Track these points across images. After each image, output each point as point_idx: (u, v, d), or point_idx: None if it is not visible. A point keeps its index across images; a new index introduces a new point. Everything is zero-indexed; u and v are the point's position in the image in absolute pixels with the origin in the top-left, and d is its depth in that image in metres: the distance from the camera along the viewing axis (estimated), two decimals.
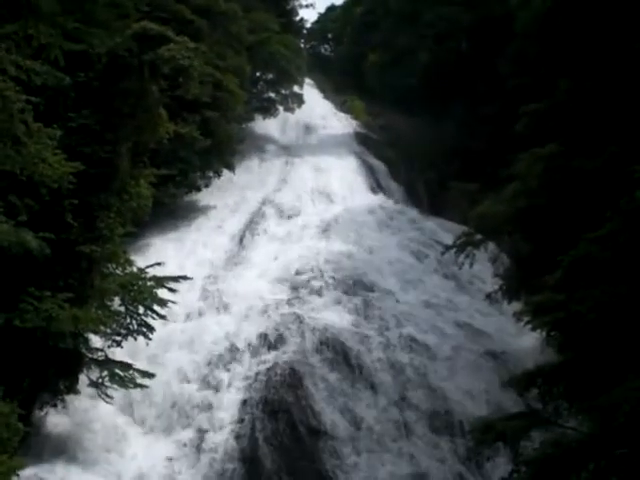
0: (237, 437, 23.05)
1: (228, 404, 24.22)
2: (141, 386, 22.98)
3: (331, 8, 74.74)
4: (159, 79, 23.82)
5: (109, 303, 23.59)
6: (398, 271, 31.08)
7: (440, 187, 40.03)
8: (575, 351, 17.11)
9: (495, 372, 24.96)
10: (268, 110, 48.45)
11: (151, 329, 24.21)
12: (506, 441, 17.49)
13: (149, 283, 24.42)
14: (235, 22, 39.09)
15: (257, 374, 25.13)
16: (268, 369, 25.21)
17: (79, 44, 23.30)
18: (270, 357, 25.88)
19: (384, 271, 30.91)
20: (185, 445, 23.12)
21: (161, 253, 30.38)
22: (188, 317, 28.44)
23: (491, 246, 27.51)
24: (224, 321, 27.99)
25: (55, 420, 23.11)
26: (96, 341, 23.61)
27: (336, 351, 25.92)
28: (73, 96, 23.05)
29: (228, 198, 38.75)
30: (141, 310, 24.18)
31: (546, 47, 27.48)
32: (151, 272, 24.94)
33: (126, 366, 23.19)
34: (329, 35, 73.91)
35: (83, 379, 23.09)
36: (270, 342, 26.64)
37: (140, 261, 25.77)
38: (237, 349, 26.44)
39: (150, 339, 24.30)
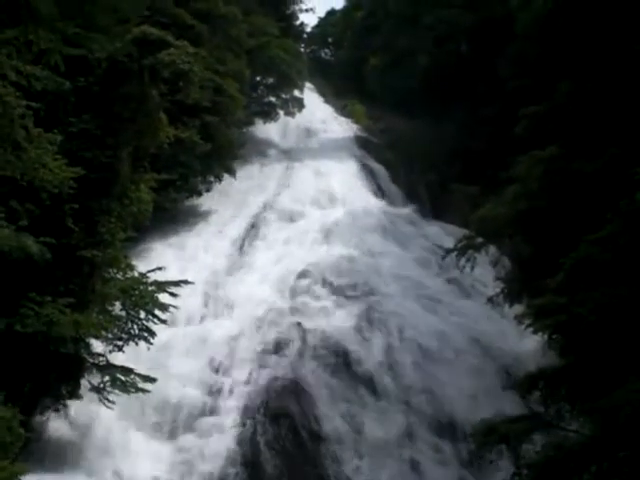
0: (239, 442, 23.04)
1: (229, 409, 24.22)
2: (143, 391, 22.94)
3: (331, 12, 74.73)
4: (159, 84, 23.83)
5: (110, 308, 23.56)
6: (399, 275, 31.05)
7: (441, 189, 40.02)
8: (577, 354, 17.10)
9: (497, 375, 24.95)
10: (269, 114, 48.47)
11: (152, 334, 24.18)
12: (508, 444, 17.49)
13: (150, 288, 24.40)
14: (235, 26, 39.12)
15: (258, 379, 25.13)
16: (269, 374, 25.21)
17: (79, 49, 23.32)
18: (271, 362, 25.88)
19: (385, 275, 30.88)
20: (187, 450, 23.09)
21: (162, 258, 30.35)
22: (189, 322, 28.42)
23: (492, 249, 27.49)
24: (225, 326, 27.97)
25: (56, 425, 23.06)
26: (97, 346, 23.59)
27: (337, 356, 25.92)
28: (73, 101, 23.06)
29: (229, 203, 38.73)
30: (142, 315, 24.14)
31: (546, 49, 27.48)
32: (152, 277, 24.91)
33: (127, 371, 23.15)
34: (329, 39, 73.86)
35: (84, 384, 23.05)
36: (271, 347, 26.65)
37: (141, 266, 25.74)
38: (238, 354, 26.43)
39: (151, 344, 24.25)
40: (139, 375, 23.09)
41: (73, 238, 22.16)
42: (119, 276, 24.29)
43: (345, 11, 69.30)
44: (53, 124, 21.17)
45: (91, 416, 23.32)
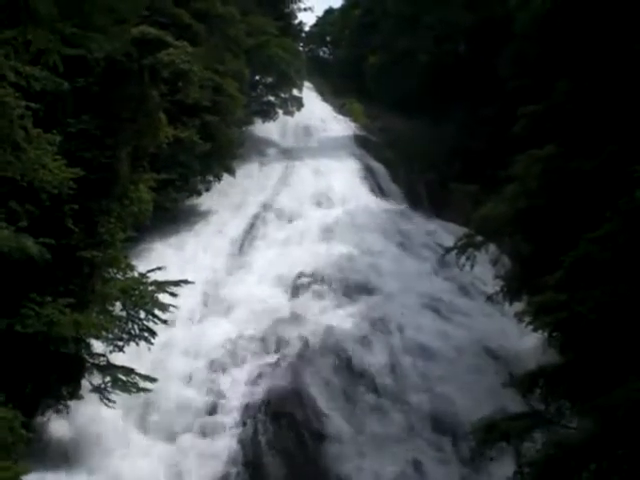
0: (240, 441, 23.04)
1: (230, 408, 24.23)
2: (143, 390, 22.98)
3: (329, 11, 74.73)
4: (159, 84, 23.83)
5: (110, 308, 23.58)
6: (399, 274, 31.04)
7: (440, 188, 40.02)
8: (577, 351, 17.11)
9: (497, 373, 24.92)
10: (268, 113, 48.47)
11: (153, 334, 24.21)
12: (509, 441, 17.49)
13: (150, 288, 24.41)
14: (233, 25, 39.09)
15: (259, 378, 25.14)
16: (270, 373, 25.22)
17: (78, 49, 23.30)
18: (272, 361, 25.90)
19: (385, 274, 30.88)
20: (187, 450, 23.09)
21: (162, 258, 30.35)
22: (189, 322, 28.43)
23: (492, 247, 27.48)
24: (225, 325, 27.98)
25: (57, 426, 23.08)
26: (98, 346, 23.61)
27: (338, 355, 25.93)
28: (72, 101, 23.05)
29: (229, 202, 38.73)
30: (142, 315, 24.17)
31: (545, 49, 27.46)
32: (152, 277, 24.93)
33: (128, 371, 23.18)
34: (328, 38, 73.88)
35: (85, 384, 23.08)
36: (272, 346, 26.68)
37: (141, 266, 25.76)
38: (238, 353, 26.46)
39: (152, 344, 24.29)
40: (140, 375, 23.13)
41: (73, 239, 22.17)
42: (119, 276, 24.31)
43: (343, 10, 69.29)
44: (52, 124, 21.17)
45: (92, 416, 23.33)
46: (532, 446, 17.27)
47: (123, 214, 23.89)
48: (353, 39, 61.17)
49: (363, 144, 47.48)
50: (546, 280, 18.68)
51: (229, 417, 23.91)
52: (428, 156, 42.55)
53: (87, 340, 22.71)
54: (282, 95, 48.86)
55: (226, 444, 23.00)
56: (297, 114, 49.52)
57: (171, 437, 23.64)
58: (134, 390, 22.91)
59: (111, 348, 23.82)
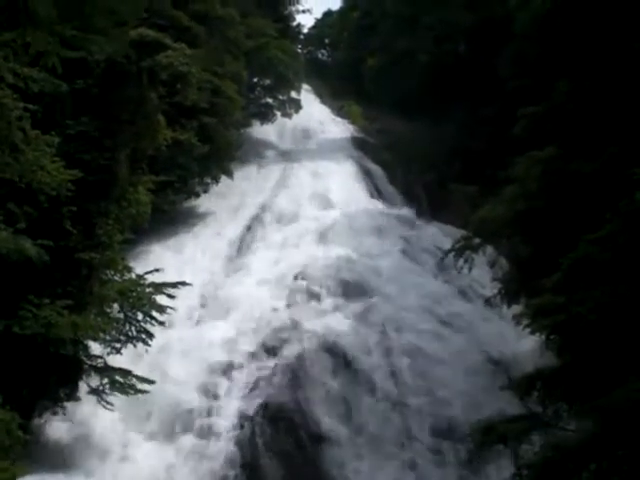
0: (237, 443, 23.03)
1: (228, 410, 24.22)
2: (141, 392, 22.96)
3: (328, 13, 74.72)
4: (157, 86, 23.83)
5: (108, 310, 23.58)
6: (397, 276, 31.01)
7: (439, 190, 40.00)
8: (575, 353, 17.11)
9: (495, 376, 24.93)
10: (266, 116, 48.46)
11: (150, 336, 24.20)
12: (507, 443, 17.50)
13: (148, 289, 24.42)
14: (233, 27, 39.10)
15: (257, 380, 25.15)
16: (268, 375, 25.21)
17: (77, 51, 23.26)
18: (270, 363, 25.89)
19: (383, 276, 30.86)
20: (185, 452, 23.08)
21: (160, 260, 30.31)
22: (187, 324, 28.42)
23: (489, 250, 27.47)
24: (223, 327, 27.94)
25: (55, 428, 23.08)
26: (95, 348, 23.60)
27: (336, 357, 25.92)
28: (71, 103, 23.05)
29: (227, 204, 38.71)
30: (140, 317, 24.18)
31: (545, 49, 27.46)
32: (150, 279, 24.93)
33: (126, 373, 23.17)
34: (326, 40, 73.89)
35: (83, 386, 23.07)
36: (269, 348, 26.66)
37: (139, 268, 25.76)
38: (236, 355, 26.44)
39: (149, 346, 24.29)
40: (137, 377, 23.12)
41: (71, 240, 22.16)
42: (117, 278, 24.31)
43: (342, 12, 69.29)
44: (51, 126, 21.18)
45: (90, 418, 23.33)
46: (530, 448, 17.28)
47: (121, 216, 23.89)
48: (352, 41, 61.20)
49: (361, 146, 47.47)
50: (544, 283, 18.68)
51: (227, 419, 23.90)
52: (427, 157, 42.55)
53: (85, 342, 22.70)
54: (280, 97, 48.86)
55: (224, 446, 23.00)
56: (295, 116, 49.51)
57: (169, 439, 23.63)
58: (132, 392, 22.90)
59: (109, 350, 23.81)
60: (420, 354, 26.30)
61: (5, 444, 17.00)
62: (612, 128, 21.32)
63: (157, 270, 25.56)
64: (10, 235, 19.33)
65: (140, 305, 24.09)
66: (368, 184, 41.91)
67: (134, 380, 23.01)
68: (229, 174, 38.40)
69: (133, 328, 24.15)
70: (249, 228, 36.24)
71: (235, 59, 39.96)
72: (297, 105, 49.33)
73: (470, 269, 27.34)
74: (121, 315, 24.04)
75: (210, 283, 31.01)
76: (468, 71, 43.06)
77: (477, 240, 26.45)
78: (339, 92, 58.48)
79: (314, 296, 29.45)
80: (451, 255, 27.70)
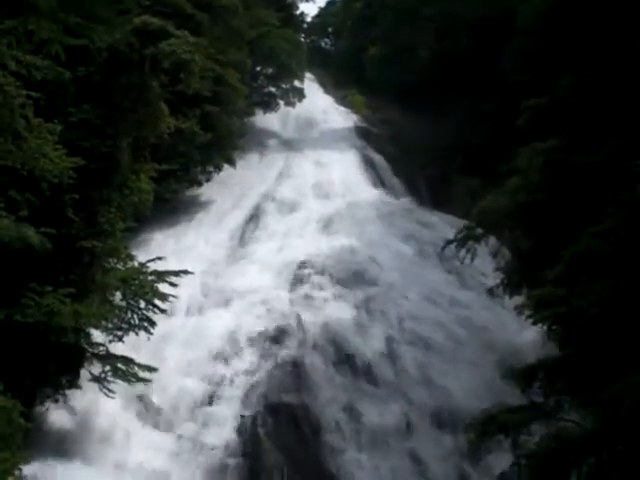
0: (239, 432, 23.08)
1: (229, 399, 24.26)
2: (143, 380, 23.00)
3: (331, 2, 74.44)
4: (160, 74, 23.76)
5: (110, 298, 23.57)
6: (400, 266, 31.02)
7: (441, 181, 39.95)
8: (576, 345, 17.11)
9: (497, 366, 24.94)
10: (269, 104, 48.34)
11: (152, 324, 24.22)
12: (507, 434, 17.52)
13: (150, 277, 24.43)
14: (236, 16, 38.97)
15: (258, 369, 25.17)
16: (269, 364, 25.23)
17: (80, 39, 23.25)
18: (271, 352, 25.91)
19: (386, 266, 30.86)
20: (187, 440, 23.12)
21: (162, 248, 30.32)
22: (189, 312, 28.43)
23: (492, 240, 27.45)
24: (225, 316, 27.98)
25: (56, 415, 23.11)
26: (97, 336, 23.61)
27: (337, 346, 25.95)
28: (73, 91, 23.00)
29: (229, 193, 38.67)
30: (142, 304, 24.20)
31: (547, 42, 27.41)
32: (152, 267, 24.93)
33: (128, 360, 23.21)
34: (329, 29, 73.66)
35: (85, 374, 23.09)
36: (271, 337, 26.67)
37: (141, 256, 25.76)
38: (238, 344, 26.47)
39: (151, 334, 24.31)
40: (139, 365, 23.14)
41: (73, 228, 22.14)
42: (119, 266, 24.30)
43: (345, 1, 69.02)
44: (53, 114, 21.12)
45: (91, 406, 23.36)
46: (530, 439, 17.30)
47: (123, 204, 23.86)
48: (354, 30, 60.92)
49: (364, 136, 47.36)
50: (546, 274, 18.67)
51: (228, 408, 23.94)
52: (429, 149, 42.46)
53: (87, 330, 22.72)
54: (283, 86, 48.72)
55: (225, 435, 23.05)
56: (298, 105, 49.37)
57: (170, 427, 23.70)
58: (133, 380, 22.94)
59: (111, 338, 23.83)
60: (422, 344, 26.35)
61: (7, 432, 16.99)
62: (614, 121, 21.29)
63: (159, 258, 25.56)
64: (12, 223, 19.31)
65: (142, 293, 24.11)
66: (371, 174, 41.86)
67: (136, 368, 23.05)
68: (232, 163, 38.35)
69: (135, 316, 24.16)
70: (251, 217, 36.20)
71: (238, 48, 39.86)
72: (300, 94, 49.19)
73: (472, 259, 27.32)
74: (123, 303, 24.06)
75: (212, 272, 30.99)
76: (470, 64, 42.93)
77: (480, 230, 26.43)
78: (342, 81, 58.29)
79: (316, 285, 29.44)
80: (453, 245, 27.69)
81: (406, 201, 38.60)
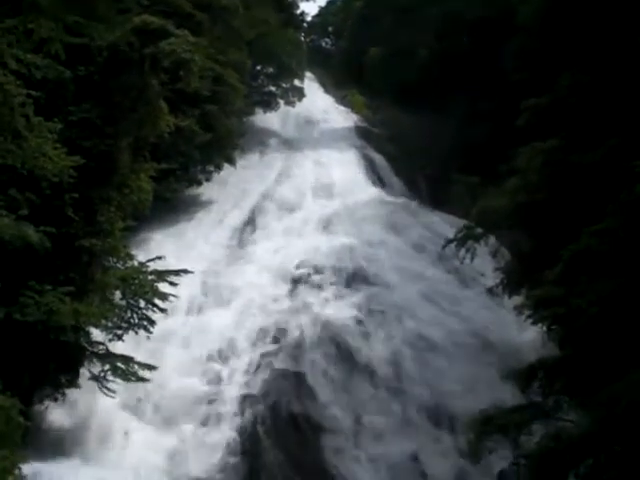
0: (238, 431, 23.08)
1: (229, 398, 24.27)
2: (142, 379, 23.00)
3: (332, 1, 74.56)
4: (160, 73, 23.77)
5: (110, 297, 23.57)
6: (399, 265, 31.03)
7: (441, 181, 39.92)
8: (575, 345, 17.12)
9: (496, 366, 24.94)
10: (269, 104, 48.39)
11: (152, 323, 24.22)
12: (507, 433, 17.52)
13: (150, 277, 24.43)
14: (236, 16, 38.97)
15: (258, 368, 25.18)
16: (269, 363, 25.24)
17: (80, 38, 23.26)
18: (271, 351, 25.92)
19: (385, 265, 30.87)
20: (186, 439, 23.13)
21: (162, 247, 30.29)
22: (189, 311, 28.44)
23: (492, 240, 27.44)
24: (225, 315, 28.01)
25: (55, 414, 23.12)
26: (97, 335, 23.62)
27: (337, 345, 25.96)
28: (74, 90, 23.01)
29: (229, 192, 38.70)
30: (142, 304, 24.19)
31: (547, 41, 27.41)
32: (152, 266, 24.93)
33: (127, 359, 23.20)
34: (330, 29, 73.75)
35: (84, 373, 23.09)
36: (271, 336, 26.69)
37: (141, 255, 25.78)
38: (237, 343, 26.49)
39: (151, 333, 24.31)
40: (139, 363, 23.13)
41: (73, 227, 22.14)
42: (119, 265, 24.32)
43: (345, 0, 69.13)
44: (53, 112, 21.14)
45: (90, 405, 23.36)
46: (530, 439, 17.31)
47: (123, 203, 23.88)
48: (354, 30, 60.91)
49: (364, 136, 47.40)
50: (545, 274, 18.68)
51: (228, 407, 23.95)
52: (429, 148, 42.46)
53: (86, 329, 22.71)
54: (283, 85, 48.79)
55: (225, 434, 23.06)
56: (298, 105, 49.45)
57: (170, 426, 23.69)
58: (133, 379, 22.93)
59: (110, 337, 23.82)
60: (421, 343, 26.33)
61: (5, 431, 16.98)
62: (613, 121, 21.29)
63: (159, 258, 25.55)
64: (12, 221, 19.31)
65: (142, 292, 24.11)
66: (371, 173, 41.90)
67: (136, 367, 23.03)
68: (231, 162, 38.39)
69: (135, 315, 24.16)
70: (251, 217, 36.23)
71: (238, 48, 39.86)
72: (300, 93, 49.25)
73: (472, 258, 27.31)
74: (123, 302, 24.05)
75: (212, 271, 31.00)
76: (470, 64, 42.89)
77: (479, 230, 26.43)
78: (342, 81, 58.33)
79: (316, 284, 29.45)
80: (453, 244, 27.68)
81: (406, 201, 38.59)
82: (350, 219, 34.96)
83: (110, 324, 23.56)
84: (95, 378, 22.93)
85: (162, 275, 24.81)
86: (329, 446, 22.67)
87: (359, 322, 27.03)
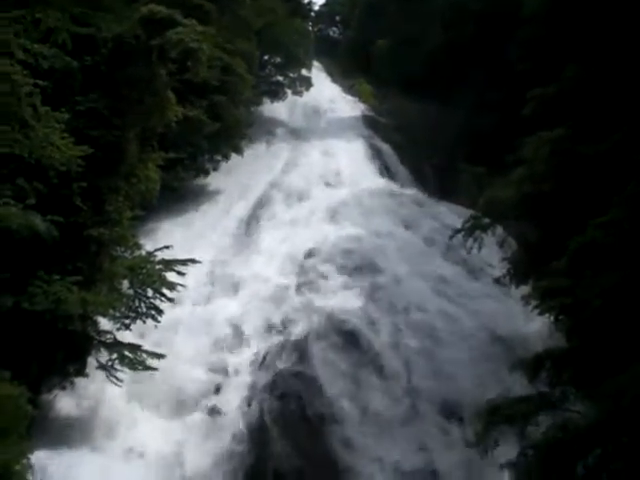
0: (245, 420, 23.11)
1: (236, 387, 24.32)
2: (150, 368, 23.05)
3: None
4: (167, 63, 23.76)
5: (118, 286, 23.62)
6: (407, 255, 30.98)
7: (448, 171, 39.85)
8: (582, 336, 17.11)
9: (503, 356, 24.93)
10: (276, 94, 48.37)
11: (160, 312, 24.27)
12: (514, 424, 17.52)
13: (157, 266, 24.47)
14: (243, 6, 38.92)
15: (265, 358, 25.20)
16: (276, 353, 25.27)
17: (86, 28, 23.24)
18: (278, 341, 25.94)
19: (392, 255, 30.82)
20: (193, 428, 23.19)
21: (169, 237, 30.30)
22: (196, 301, 28.47)
23: (499, 230, 27.39)
24: (232, 305, 28.04)
25: (63, 403, 23.21)
26: (105, 324, 23.69)
27: (344, 335, 25.93)
28: (81, 79, 23.01)
29: (236, 182, 38.70)
30: (150, 293, 24.24)
31: (554, 31, 27.32)
32: (159, 255, 24.97)
33: (135, 348, 23.26)
34: (337, 18, 73.59)
35: (92, 362, 23.16)
36: (278, 326, 26.73)
37: (149, 244, 25.83)
38: (245, 333, 26.54)
39: (159, 322, 24.37)
40: (147, 352, 23.19)
41: (80, 216, 22.18)
42: (127, 254, 24.38)
43: None
44: (60, 102, 21.15)
45: (98, 394, 23.44)
46: (537, 429, 17.31)
47: (131, 192, 23.93)
48: (362, 20, 60.78)
49: (372, 125, 47.32)
50: (552, 265, 18.65)
51: (235, 396, 23.99)
52: (436, 138, 42.36)
53: (94, 318, 22.80)
54: (291, 75, 48.75)
55: (232, 423, 23.09)
56: (306, 94, 49.40)
57: (177, 416, 23.75)
58: (140, 367, 22.98)
59: (118, 326, 23.89)
60: (428, 334, 26.30)
61: (13, 420, 17.05)
62: (621, 111, 21.22)
63: (167, 247, 25.59)
64: (20, 211, 19.35)
65: (150, 282, 24.15)
66: (378, 163, 41.81)
67: (143, 355, 23.08)
68: (239, 152, 38.40)
69: (143, 304, 24.21)
70: (258, 206, 36.22)
71: (246, 37, 39.81)
72: (308, 83, 49.20)
73: (480, 249, 27.25)
74: (131, 291, 24.10)
75: (219, 261, 31.03)
76: (476, 54, 42.77)
77: (486, 220, 26.38)
78: (350, 70, 58.22)
79: (323, 274, 29.45)
80: (460, 235, 27.63)
81: (413, 190, 38.55)
82: (357, 209, 34.92)
83: (118, 313, 23.61)
84: (103, 367, 23.00)
85: (170, 264, 24.84)
86: (336, 437, 22.66)
87: (366, 312, 27.01)
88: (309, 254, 30.57)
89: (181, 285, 24.82)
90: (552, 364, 17.59)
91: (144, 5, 24.08)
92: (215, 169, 38.02)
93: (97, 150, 21.59)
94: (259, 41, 42.91)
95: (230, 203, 36.89)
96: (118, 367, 22.92)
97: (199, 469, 21.94)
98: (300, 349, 25.31)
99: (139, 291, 24.19)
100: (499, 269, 27.26)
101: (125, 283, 23.98)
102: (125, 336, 23.90)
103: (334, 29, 74.67)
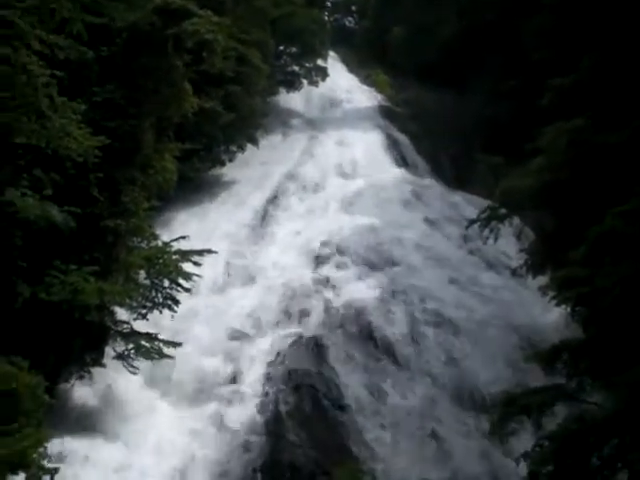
0: (261, 411, 23.15)
1: (252, 378, 24.34)
2: (167, 357, 23.12)
3: None
4: (183, 54, 23.76)
5: (134, 276, 23.69)
6: (422, 246, 30.97)
7: (464, 160, 39.76)
8: (599, 326, 17.03)
9: (520, 347, 24.90)
10: (292, 84, 48.29)
11: (176, 302, 24.34)
12: (530, 415, 17.48)
13: (174, 257, 24.51)
14: None
15: (281, 348, 25.22)
16: (292, 343, 25.30)
17: (101, 18, 23.24)
18: (294, 331, 25.98)
19: (408, 246, 30.82)
20: (209, 418, 23.24)
21: (185, 227, 30.41)
22: (212, 291, 28.54)
23: (516, 220, 27.31)
24: (248, 295, 28.09)
25: (80, 393, 23.29)
26: (121, 314, 23.78)
27: (360, 326, 25.96)
28: (97, 70, 23.06)
29: (252, 172, 38.71)
30: (166, 283, 24.30)
31: (571, 20, 27.18)
32: (176, 246, 25.02)
33: (152, 338, 23.33)
34: (353, 7, 73.35)
35: (109, 352, 23.26)
36: (294, 316, 26.76)
37: (165, 235, 25.90)
38: (261, 323, 26.57)
39: (175, 312, 24.44)
40: (163, 341, 23.26)
41: (97, 207, 22.25)
42: (143, 245, 24.45)
43: None
44: (77, 93, 21.21)
45: (115, 383, 23.52)
46: (553, 420, 17.27)
47: (147, 183, 23.98)
48: (378, 9, 60.56)
49: (388, 115, 47.23)
50: (570, 255, 18.57)
51: (250, 386, 24.02)
52: (453, 128, 42.23)
53: (111, 308, 22.88)
54: (307, 65, 48.64)
55: (247, 413, 23.11)
56: (322, 84, 49.30)
57: (192, 405, 23.80)
58: (157, 357, 23.07)
59: (135, 316, 23.97)
60: (444, 324, 26.28)
61: (30, 408, 17.14)
62: (639, 101, 21.08)
63: (183, 237, 25.65)
64: (37, 202, 19.44)
65: (166, 272, 24.21)
66: (394, 153, 41.78)
67: (160, 345, 23.15)
68: (254, 142, 38.41)
69: (159, 294, 24.28)
70: (274, 197, 36.24)
71: (261, 27, 39.76)
72: (324, 73, 49.09)
73: (496, 239, 27.17)
74: (147, 282, 24.17)
75: (235, 251, 31.07)
76: (493, 42, 42.57)
77: (503, 210, 26.29)
78: (366, 60, 58.07)
79: (339, 265, 29.48)
80: (477, 225, 27.55)
81: (429, 180, 38.49)
82: (373, 199, 34.91)
83: (134, 303, 23.69)
84: (120, 357, 23.10)
85: (186, 255, 24.89)
86: (351, 426, 22.67)
87: (382, 302, 27.01)
88: (325, 244, 30.58)
89: (197, 275, 24.87)
90: (569, 355, 17.50)
91: None
92: (231, 160, 38.02)
93: (114, 141, 21.64)
94: (274, 31, 42.86)
95: (246, 194, 36.90)
96: (134, 357, 23.01)
97: (214, 458, 21.98)
98: (316, 339, 25.33)
99: (156, 281, 24.26)
100: (516, 260, 27.17)
101: (142, 273, 24.06)
102: (141, 325, 23.95)
103: (350, 19, 74.39)
